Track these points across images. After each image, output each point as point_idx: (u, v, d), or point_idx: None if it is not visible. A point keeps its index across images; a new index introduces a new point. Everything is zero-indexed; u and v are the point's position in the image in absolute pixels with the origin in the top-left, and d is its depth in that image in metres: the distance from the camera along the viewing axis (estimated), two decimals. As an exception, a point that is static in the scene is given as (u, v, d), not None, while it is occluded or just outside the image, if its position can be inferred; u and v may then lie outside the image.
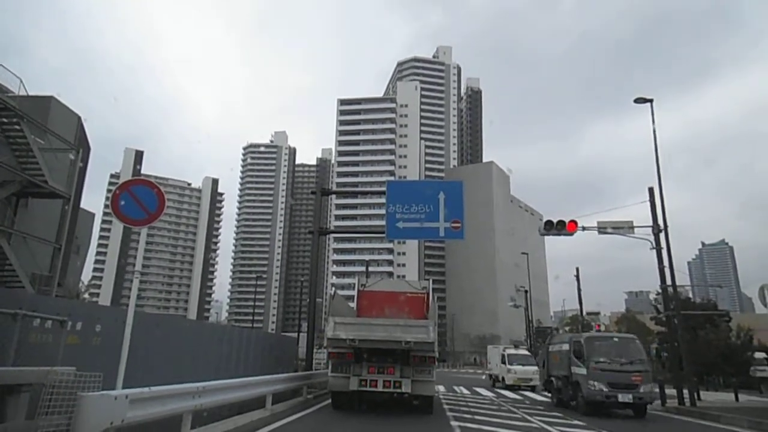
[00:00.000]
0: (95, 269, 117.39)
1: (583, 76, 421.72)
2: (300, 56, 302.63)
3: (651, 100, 19.09)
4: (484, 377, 36.02)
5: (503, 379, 25.82)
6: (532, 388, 24.25)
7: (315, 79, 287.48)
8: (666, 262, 18.28)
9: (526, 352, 28.09)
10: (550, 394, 18.70)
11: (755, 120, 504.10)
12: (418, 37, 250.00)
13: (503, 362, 26.14)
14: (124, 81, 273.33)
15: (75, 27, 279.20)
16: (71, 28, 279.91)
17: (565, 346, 16.31)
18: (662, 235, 18.37)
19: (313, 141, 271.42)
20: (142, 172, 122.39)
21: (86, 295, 71.18)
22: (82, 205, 26.87)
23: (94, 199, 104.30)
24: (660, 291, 23.91)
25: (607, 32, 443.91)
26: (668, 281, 18.54)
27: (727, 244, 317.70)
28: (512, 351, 27.27)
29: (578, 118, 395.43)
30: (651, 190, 19.03)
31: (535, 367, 23.87)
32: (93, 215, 35.19)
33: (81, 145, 22.15)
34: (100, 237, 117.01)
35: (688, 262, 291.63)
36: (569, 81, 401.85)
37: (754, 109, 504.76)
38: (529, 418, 13.12)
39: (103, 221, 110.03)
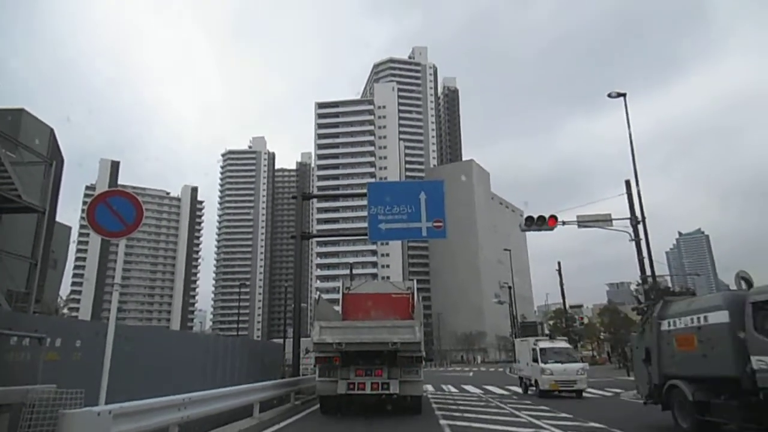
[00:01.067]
0: (74, 283, 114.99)
1: (558, 75, 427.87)
2: (277, 63, 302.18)
3: (624, 94, 19.50)
4: (468, 373, 35.67)
5: (536, 382, 19.44)
6: (578, 394, 18.76)
7: (293, 86, 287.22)
8: (645, 253, 18.64)
9: (565, 345, 21.50)
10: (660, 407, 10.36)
11: (726, 113, 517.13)
12: (396, 41, 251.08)
13: (535, 360, 19.66)
14: (102, 92, 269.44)
15: (52, 42, 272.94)
16: (47, 43, 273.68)
17: (718, 316, 8.60)
18: (640, 227, 18.73)
19: (293, 146, 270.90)
20: (119, 182, 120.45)
21: (65, 311, 69.64)
22: (58, 218, 26.31)
23: (70, 212, 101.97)
24: (640, 281, 24.36)
25: (581, 32, 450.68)
26: (647, 271, 18.90)
27: (702, 233, 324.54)
28: (546, 344, 20.71)
29: (554, 115, 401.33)
30: (628, 183, 19.40)
31: (580, 365, 19.35)
32: (69, 228, 34.42)
33: (54, 157, 21.62)
34: (78, 250, 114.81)
35: (666, 252, 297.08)
36: (544, 80, 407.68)
37: (725, 103, 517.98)
38: (516, 413, 13.23)
39: (80, 234, 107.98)
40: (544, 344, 20.69)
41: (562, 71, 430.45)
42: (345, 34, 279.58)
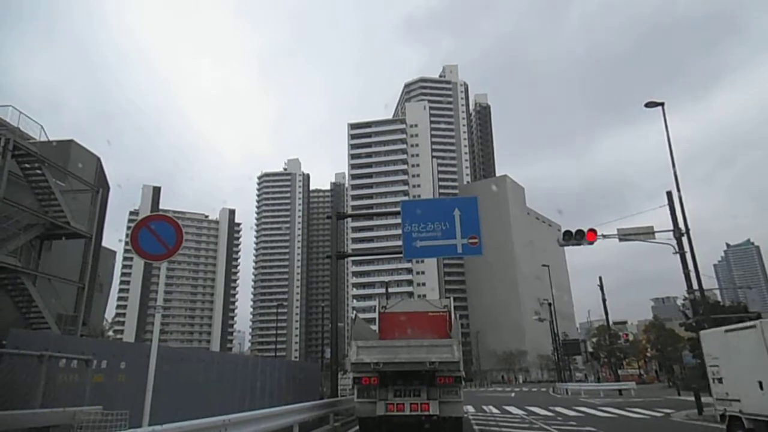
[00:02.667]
0: (118, 306, 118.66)
1: (594, 89, 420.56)
2: (314, 90, 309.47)
3: (662, 104, 19.02)
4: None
5: None
6: None
7: (329, 110, 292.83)
8: (691, 266, 17.92)
9: None
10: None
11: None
12: (428, 62, 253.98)
13: None
14: (148, 123, 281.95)
15: (105, 79, 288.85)
16: (101, 81, 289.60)
17: None
18: (685, 239, 18.06)
19: (328, 168, 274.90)
20: (161, 207, 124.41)
21: (111, 333, 71.83)
22: (104, 243, 27.31)
23: (115, 236, 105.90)
24: (687, 296, 23.40)
25: (615, 45, 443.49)
26: (694, 285, 18.14)
27: (752, 243, 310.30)
28: None
29: (591, 129, 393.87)
30: (669, 194, 18.80)
31: None
32: (114, 253, 35.67)
33: (100, 184, 22.59)
34: (122, 274, 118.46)
35: (714, 265, 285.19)
36: (579, 94, 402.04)
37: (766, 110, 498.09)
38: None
39: (125, 258, 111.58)
40: None
41: (597, 86, 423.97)
42: (378, 59, 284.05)
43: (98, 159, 23.75)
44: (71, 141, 22.45)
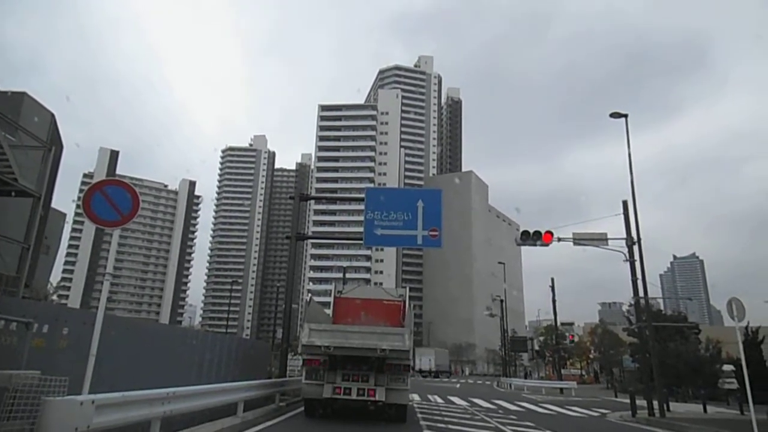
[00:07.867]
0: (65, 270, 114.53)
1: (564, 101, 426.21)
2: (291, 75, 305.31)
3: (626, 115, 19.60)
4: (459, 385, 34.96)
5: None
6: None
7: (303, 92, 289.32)
8: (639, 274, 18.66)
9: None
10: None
11: (722, 148, 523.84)
12: (410, 58, 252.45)
13: None
14: (129, 89, 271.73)
15: (81, 45, 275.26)
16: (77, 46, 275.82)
17: None
18: (636, 248, 18.77)
19: (297, 148, 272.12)
20: (118, 172, 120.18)
21: (55, 297, 69.25)
22: (54, 204, 26.19)
23: (68, 198, 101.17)
24: (633, 302, 24.38)
25: (590, 65, 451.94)
26: (641, 293, 18.91)
27: (697, 257, 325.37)
28: None
29: (559, 140, 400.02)
30: (625, 204, 19.46)
31: None
32: (64, 215, 34.27)
33: (54, 143, 21.58)
34: (71, 238, 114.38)
35: (660, 275, 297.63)
36: (550, 103, 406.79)
37: (720, 138, 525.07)
38: (502, 427, 13.17)
39: (75, 221, 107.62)
40: None
41: (568, 98, 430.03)
42: (359, 51, 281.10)
43: (53, 115, 22.64)
44: (23, 93, 21.35)
